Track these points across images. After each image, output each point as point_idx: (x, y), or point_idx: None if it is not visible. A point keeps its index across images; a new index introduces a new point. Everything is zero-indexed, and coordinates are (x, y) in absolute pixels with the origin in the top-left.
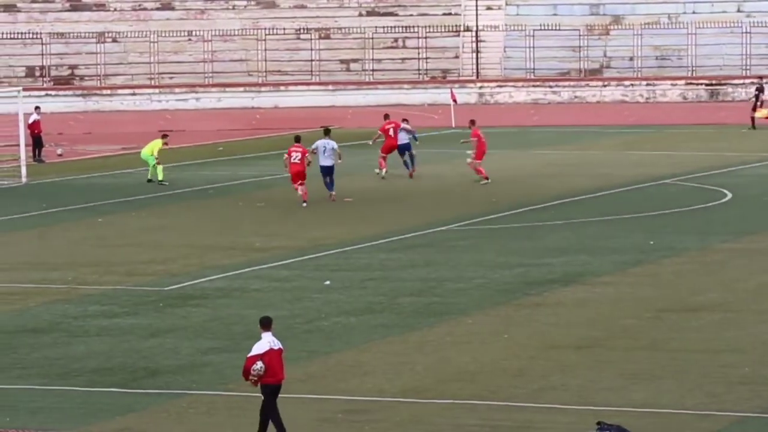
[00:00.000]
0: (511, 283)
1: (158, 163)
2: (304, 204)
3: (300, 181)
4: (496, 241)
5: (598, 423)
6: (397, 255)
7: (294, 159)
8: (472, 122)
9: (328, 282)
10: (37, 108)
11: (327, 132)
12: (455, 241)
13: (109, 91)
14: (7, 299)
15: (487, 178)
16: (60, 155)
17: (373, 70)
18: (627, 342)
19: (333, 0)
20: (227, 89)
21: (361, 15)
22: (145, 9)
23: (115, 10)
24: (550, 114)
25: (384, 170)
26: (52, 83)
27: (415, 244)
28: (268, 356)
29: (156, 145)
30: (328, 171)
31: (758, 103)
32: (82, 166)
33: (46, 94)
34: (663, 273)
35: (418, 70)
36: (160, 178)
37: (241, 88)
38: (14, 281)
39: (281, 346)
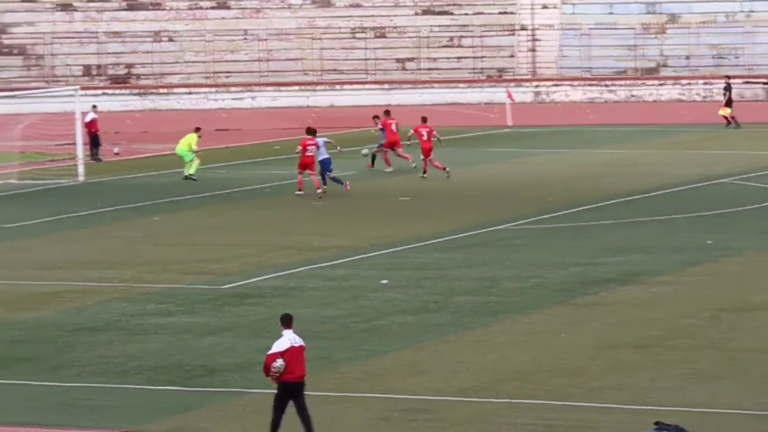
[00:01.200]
0: (567, 283)
1: (199, 156)
2: (300, 192)
3: (309, 171)
4: (552, 240)
5: (656, 423)
6: (453, 254)
7: (309, 152)
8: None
9: (384, 281)
10: (94, 107)
11: (313, 132)
12: (511, 240)
13: (165, 90)
14: (65, 298)
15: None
16: (117, 154)
17: (428, 69)
18: (685, 342)
19: None
20: (283, 88)
21: (416, 14)
22: (200, 8)
23: (171, 9)
24: (606, 113)
25: (412, 163)
26: (108, 82)
27: (471, 243)
28: (289, 353)
29: (191, 139)
30: (328, 164)
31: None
32: (138, 165)
33: (103, 93)
34: (721, 272)
35: (474, 69)
36: (191, 172)
37: (297, 87)
38: (71, 280)
39: (303, 344)
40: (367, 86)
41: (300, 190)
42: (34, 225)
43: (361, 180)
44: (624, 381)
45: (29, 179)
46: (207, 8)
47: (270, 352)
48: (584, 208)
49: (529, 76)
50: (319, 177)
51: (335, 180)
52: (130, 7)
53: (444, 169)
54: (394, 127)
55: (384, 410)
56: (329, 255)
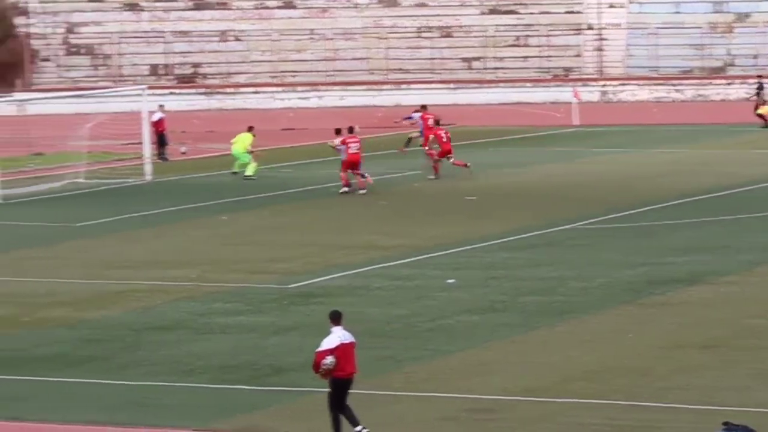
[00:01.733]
0: (634, 283)
1: (256, 157)
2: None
3: (354, 170)
4: (618, 240)
5: (725, 423)
6: (519, 254)
7: (352, 149)
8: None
9: (450, 280)
10: (161, 106)
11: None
12: (577, 240)
13: (231, 90)
14: (133, 297)
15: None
16: (183, 153)
17: (494, 68)
18: (753, 342)
19: None
20: (349, 87)
21: (483, 13)
22: (267, 8)
23: (238, 8)
24: (672, 112)
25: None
26: (175, 81)
27: (537, 243)
28: (339, 350)
29: (246, 139)
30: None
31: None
32: (204, 165)
33: (170, 93)
34: None
35: (540, 68)
36: (251, 173)
37: (363, 87)
38: (139, 279)
39: (353, 340)
40: (433, 85)
41: (346, 186)
42: (102, 224)
43: (426, 179)
44: (690, 381)
45: (96, 179)
46: (273, 8)
47: (319, 349)
48: (650, 207)
49: (595, 76)
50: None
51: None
52: (197, 7)
53: (466, 165)
54: (431, 122)
55: (450, 410)
56: (395, 254)
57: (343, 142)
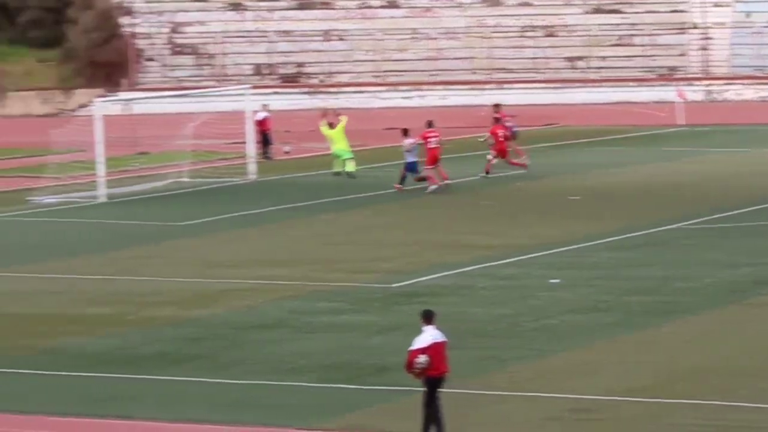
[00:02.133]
0: (741, 282)
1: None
2: (438, 186)
3: (437, 165)
4: (724, 239)
5: None
6: (624, 253)
7: (432, 144)
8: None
9: (554, 280)
10: (264, 105)
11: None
12: (683, 239)
13: (334, 89)
14: (237, 296)
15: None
16: (287, 152)
17: (598, 68)
18: None
19: None
20: (451, 87)
21: (586, 12)
22: (370, 7)
23: (341, 8)
24: None
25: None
26: (279, 81)
27: (643, 242)
28: (432, 349)
29: (342, 130)
30: (415, 167)
31: None
32: (308, 164)
33: (274, 92)
34: None
35: (644, 67)
36: (351, 169)
37: (466, 86)
38: (243, 278)
39: (445, 339)
40: (536, 85)
41: (434, 184)
42: (205, 223)
43: (530, 179)
44: None
45: (200, 178)
46: (376, 7)
47: (412, 348)
48: (756, 207)
49: (700, 75)
50: (402, 177)
51: (420, 179)
52: (300, 7)
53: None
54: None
55: (553, 409)
56: (498, 254)
57: (423, 137)
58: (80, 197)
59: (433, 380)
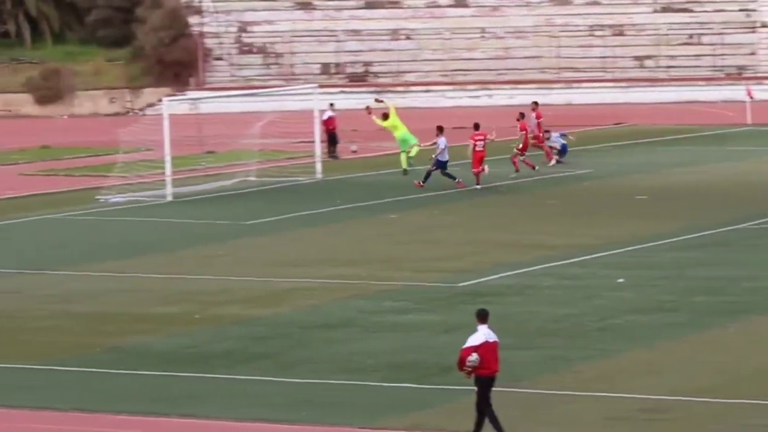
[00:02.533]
0: None
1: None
2: (479, 186)
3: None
4: None
5: None
6: (689, 253)
7: (478, 147)
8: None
9: (620, 280)
10: (331, 105)
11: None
12: (750, 239)
13: (402, 88)
14: (303, 295)
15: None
16: (354, 152)
17: (667, 67)
18: None
19: None
20: (519, 86)
21: (655, 11)
22: (438, 6)
23: (409, 7)
24: None
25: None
26: (346, 80)
27: (709, 242)
28: (483, 348)
29: (397, 120)
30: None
31: None
32: (374, 163)
33: (341, 91)
34: None
35: (713, 66)
36: (414, 154)
37: (534, 85)
38: (309, 277)
39: (497, 339)
40: (604, 84)
41: (478, 183)
42: (272, 222)
43: (597, 178)
44: None
45: (267, 177)
46: (445, 6)
47: (464, 346)
48: None
49: None
50: (428, 175)
51: (449, 176)
52: (369, 6)
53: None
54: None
55: (619, 409)
56: (564, 253)
57: (472, 138)
58: (147, 196)
59: (484, 379)
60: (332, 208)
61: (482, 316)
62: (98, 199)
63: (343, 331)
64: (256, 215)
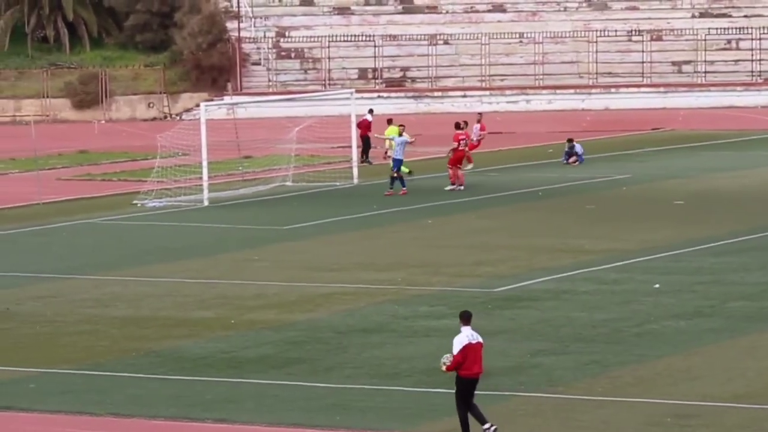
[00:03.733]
0: None
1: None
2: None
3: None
4: None
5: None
6: (728, 258)
7: (461, 146)
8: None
9: (657, 285)
10: (371, 111)
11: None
12: None
13: (440, 93)
14: (339, 299)
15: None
16: (388, 157)
17: (705, 72)
18: None
19: (665, 1)
20: (558, 91)
21: (693, 16)
22: (476, 11)
23: (447, 12)
24: None
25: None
26: (384, 85)
27: (747, 247)
28: (467, 350)
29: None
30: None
31: None
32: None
33: (378, 96)
34: None
35: (752, 71)
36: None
37: (572, 90)
38: (345, 281)
39: (481, 341)
40: (642, 89)
41: (458, 184)
42: (309, 227)
43: (635, 183)
44: None
45: (304, 182)
46: (483, 11)
47: (454, 351)
48: None
49: None
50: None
51: (400, 180)
52: (407, 11)
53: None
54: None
55: (656, 415)
56: (601, 258)
57: (455, 139)
58: (185, 201)
59: (466, 381)
60: (368, 213)
61: (466, 318)
62: (135, 203)
63: (378, 336)
64: (292, 220)
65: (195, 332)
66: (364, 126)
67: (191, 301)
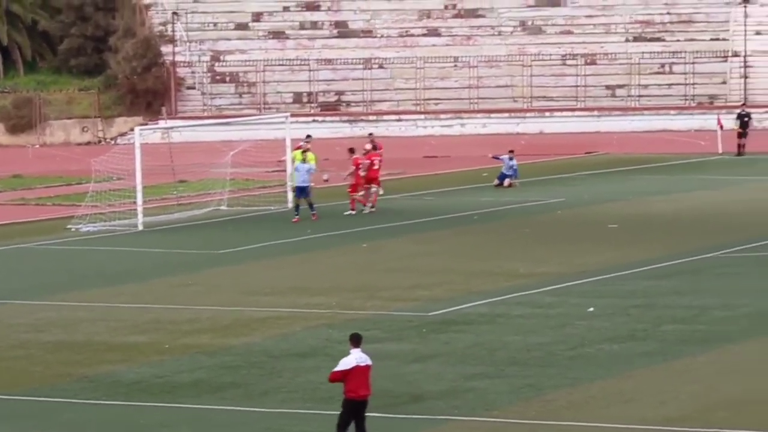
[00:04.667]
0: None
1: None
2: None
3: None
4: (764, 267)
5: None
6: (661, 282)
7: (361, 171)
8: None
9: (591, 309)
10: (308, 137)
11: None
12: (722, 268)
13: (374, 117)
14: (273, 324)
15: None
16: (326, 180)
17: (639, 96)
18: None
19: (599, 26)
20: (492, 115)
21: (627, 40)
22: (411, 35)
23: (382, 36)
24: None
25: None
26: (319, 109)
27: (681, 270)
28: (354, 372)
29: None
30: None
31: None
32: (345, 192)
33: (313, 120)
34: None
35: (685, 95)
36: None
37: (506, 114)
38: (280, 306)
39: (369, 363)
40: (576, 113)
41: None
42: (244, 251)
43: (569, 207)
44: None
45: (239, 206)
46: (418, 35)
47: (334, 369)
48: None
49: (740, 103)
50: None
51: (297, 206)
52: (341, 35)
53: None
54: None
55: None
56: (536, 282)
57: (368, 157)
58: (119, 225)
59: (353, 403)
60: (303, 238)
61: (355, 340)
62: (70, 228)
63: (313, 360)
64: (227, 244)
65: (129, 357)
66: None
67: (125, 326)
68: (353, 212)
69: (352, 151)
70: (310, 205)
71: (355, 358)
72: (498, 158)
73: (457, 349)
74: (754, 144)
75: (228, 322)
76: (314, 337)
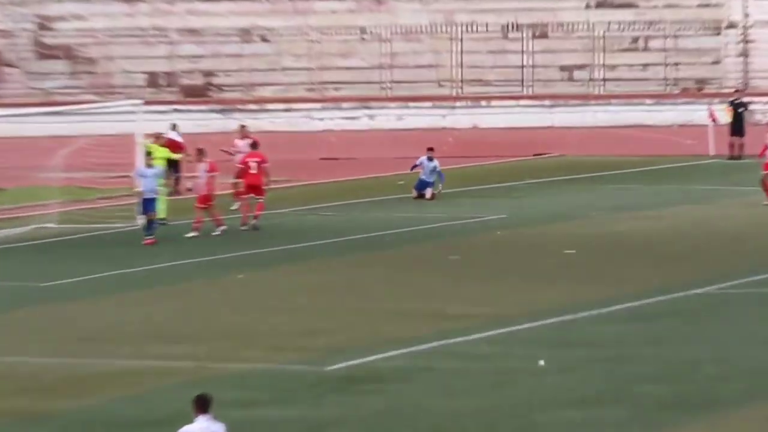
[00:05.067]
0: None
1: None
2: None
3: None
4: None
5: None
6: (634, 326)
7: (252, 169)
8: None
9: (542, 362)
10: (174, 126)
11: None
12: (715, 308)
13: (255, 106)
14: (117, 381)
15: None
16: (189, 190)
17: (604, 80)
18: None
19: None
20: (410, 104)
21: (588, 7)
22: None
23: (266, 0)
24: None
25: None
26: (181, 95)
27: (660, 312)
28: None
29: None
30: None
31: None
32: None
33: (174, 110)
34: None
35: (665, 79)
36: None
37: (429, 103)
38: (127, 356)
39: None
40: (522, 102)
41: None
42: (77, 283)
43: (511, 226)
44: None
45: (73, 223)
46: None
47: None
48: None
49: (735, 89)
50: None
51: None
52: None
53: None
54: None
55: None
56: (469, 326)
57: (243, 163)
58: None
59: None
60: (159, 265)
61: (201, 404)
62: None
63: (173, 430)
64: (54, 275)
65: None
66: (172, 146)
67: None
68: (196, 233)
69: (200, 152)
70: (150, 223)
71: (200, 428)
72: (416, 165)
73: (363, 417)
74: (754, 144)
75: (57, 379)
76: (172, 399)
